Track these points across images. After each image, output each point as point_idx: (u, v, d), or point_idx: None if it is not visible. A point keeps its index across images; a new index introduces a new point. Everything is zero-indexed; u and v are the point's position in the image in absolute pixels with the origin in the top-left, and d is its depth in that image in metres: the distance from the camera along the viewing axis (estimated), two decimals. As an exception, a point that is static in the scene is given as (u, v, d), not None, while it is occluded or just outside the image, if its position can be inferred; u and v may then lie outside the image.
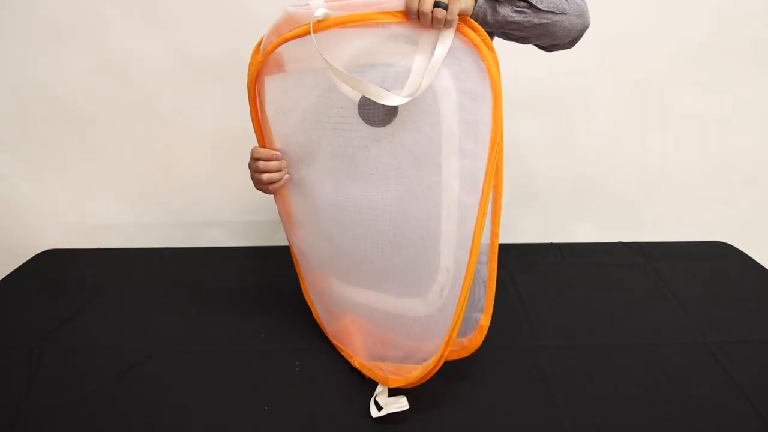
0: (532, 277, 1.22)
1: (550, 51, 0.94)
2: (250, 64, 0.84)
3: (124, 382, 0.95)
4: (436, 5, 0.71)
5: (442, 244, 0.87)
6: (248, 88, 0.88)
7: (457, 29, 0.75)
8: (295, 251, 1.03)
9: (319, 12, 0.73)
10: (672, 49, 1.60)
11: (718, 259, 1.31)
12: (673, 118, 1.70)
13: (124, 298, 1.19)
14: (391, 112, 0.83)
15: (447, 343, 0.86)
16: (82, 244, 1.42)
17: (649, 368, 0.96)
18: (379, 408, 0.89)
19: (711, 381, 0.93)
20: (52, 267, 1.32)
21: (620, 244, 1.37)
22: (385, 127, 0.84)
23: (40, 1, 1.47)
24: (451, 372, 0.96)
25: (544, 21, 0.83)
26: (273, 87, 0.87)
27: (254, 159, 0.91)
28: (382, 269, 0.92)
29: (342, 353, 1.01)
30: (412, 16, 0.72)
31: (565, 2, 0.85)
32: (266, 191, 0.93)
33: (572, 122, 1.64)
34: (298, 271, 1.06)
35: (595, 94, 1.65)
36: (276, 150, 0.91)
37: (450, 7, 0.71)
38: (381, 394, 0.91)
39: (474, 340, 0.91)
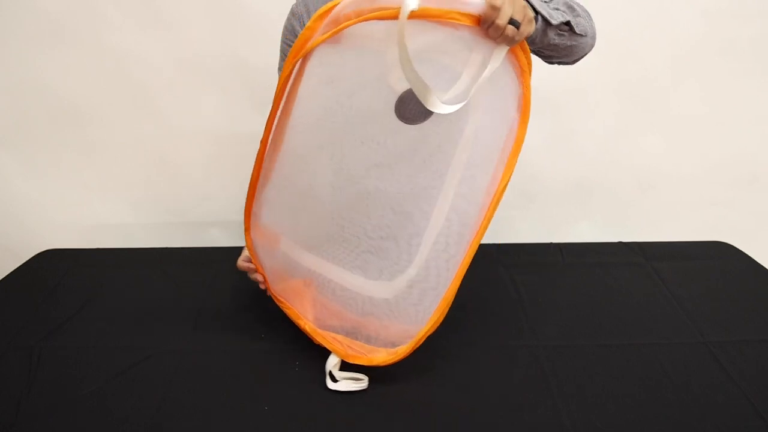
0: (532, 277, 1.22)
1: (552, 63, 0.95)
2: (309, 28, 0.76)
3: (124, 382, 0.95)
4: (510, 22, 0.72)
5: (423, 244, 0.92)
6: (293, 54, 0.78)
7: (511, 48, 0.77)
8: (260, 196, 0.93)
9: (414, 2, 0.70)
10: (671, 49, 1.60)
11: (718, 259, 1.31)
12: (673, 118, 1.70)
13: (124, 298, 1.19)
14: (427, 114, 0.85)
15: (418, 340, 0.91)
16: (82, 244, 1.42)
17: (649, 368, 0.96)
18: (334, 380, 0.92)
19: (711, 381, 0.93)
20: (52, 267, 1.32)
21: (620, 244, 1.37)
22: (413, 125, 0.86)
23: (40, 1, 1.47)
24: (451, 371, 0.96)
25: (574, 43, 0.87)
26: (320, 57, 0.80)
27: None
28: (359, 246, 0.95)
29: (285, 310, 1.00)
30: (485, 24, 0.73)
31: (589, 25, 0.90)
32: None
33: (572, 122, 1.64)
34: (247, 210, 0.96)
35: (595, 94, 1.65)
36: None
37: (521, 28, 0.73)
38: (335, 367, 0.94)
39: (407, 348, 0.93)
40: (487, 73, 0.77)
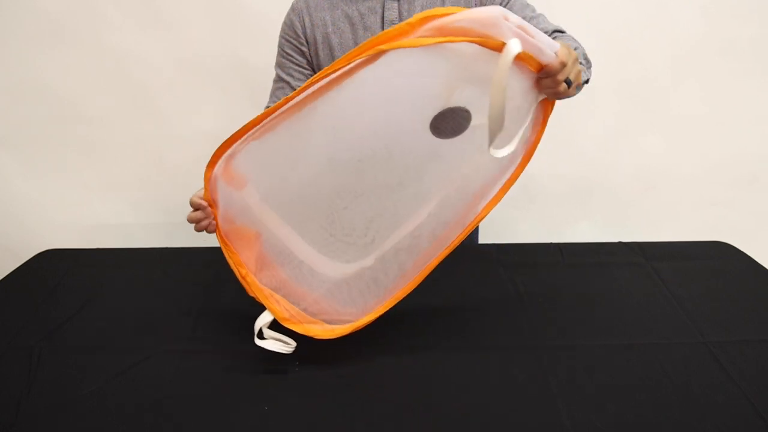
0: (532, 277, 1.22)
1: None
2: (410, 24, 0.74)
3: (124, 382, 0.94)
4: (566, 81, 0.77)
5: (390, 238, 0.96)
6: (384, 39, 0.74)
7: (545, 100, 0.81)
8: (248, 140, 0.87)
9: (517, 48, 0.71)
10: (671, 49, 1.61)
11: (718, 259, 1.31)
12: (673, 118, 1.70)
13: (124, 298, 1.19)
14: (457, 134, 0.89)
15: (357, 327, 0.95)
16: (82, 244, 1.42)
17: (649, 368, 0.96)
18: (261, 337, 0.94)
19: (711, 381, 0.93)
20: (52, 267, 1.32)
21: (620, 244, 1.37)
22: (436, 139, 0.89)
23: (40, 1, 1.47)
24: (450, 370, 0.96)
25: (580, 88, 0.91)
26: (400, 54, 0.79)
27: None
28: (330, 229, 0.97)
29: (227, 254, 0.95)
30: (545, 75, 0.77)
31: (590, 70, 0.96)
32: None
33: (572, 122, 1.64)
34: (227, 144, 0.88)
35: (595, 94, 1.65)
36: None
37: (570, 89, 0.79)
38: (266, 325, 0.94)
39: (345, 330, 0.96)
40: (528, 122, 0.83)
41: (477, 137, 0.88)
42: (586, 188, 1.76)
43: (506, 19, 0.71)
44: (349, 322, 0.98)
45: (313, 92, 0.81)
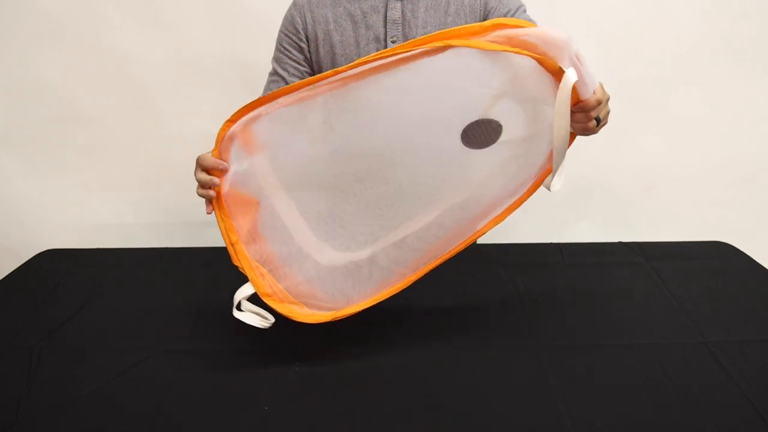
0: (532, 277, 1.22)
1: None
2: (482, 27, 0.76)
3: (124, 382, 0.94)
4: (596, 119, 0.82)
5: (384, 238, 0.97)
6: (452, 35, 0.77)
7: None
8: (277, 105, 0.85)
9: (574, 77, 0.76)
10: (671, 50, 1.60)
11: (718, 259, 1.31)
12: (673, 118, 1.70)
13: (124, 298, 1.19)
14: (487, 146, 0.90)
15: (336, 317, 0.95)
16: (82, 244, 1.42)
17: (649, 368, 0.96)
18: (240, 309, 0.93)
19: (711, 381, 0.93)
20: (52, 267, 1.32)
21: (620, 244, 1.37)
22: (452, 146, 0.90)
23: (40, 1, 1.47)
24: (450, 370, 0.96)
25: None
26: (457, 54, 0.80)
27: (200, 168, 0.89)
28: (337, 220, 0.97)
29: (218, 213, 0.92)
30: (580, 109, 0.80)
31: None
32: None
33: (572, 122, 1.64)
34: (256, 103, 0.86)
35: (595, 94, 1.65)
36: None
37: (596, 128, 0.84)
38: (245, 297, 0.93)
39: (324, 317, 0.96)
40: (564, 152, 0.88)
41: (500, 153, 0.91)
42: (586, 188, 1.76)
43: (570, 44, 0.75)
44: (330, 310, 0.97)
45: (362, 72, 0.81)
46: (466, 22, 1.04)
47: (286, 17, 1.12)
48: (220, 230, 0.92)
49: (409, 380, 0.94)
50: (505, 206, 1.00)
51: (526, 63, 0.77)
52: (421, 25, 1.05)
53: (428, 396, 0.91)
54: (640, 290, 1.19)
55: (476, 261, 1.27)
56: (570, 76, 0.75)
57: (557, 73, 0.77)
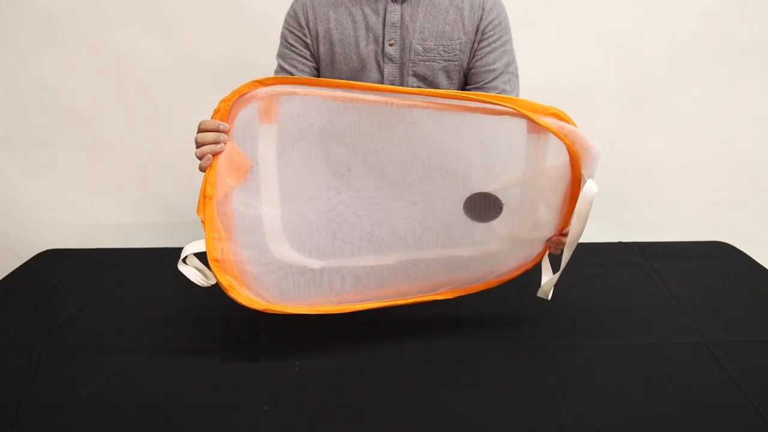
0: (532, 277, 1.22)
1: None
2: (530, 111, 0.85)
3: (124, 382, 0.95)
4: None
5: (352, 259, 0.99)
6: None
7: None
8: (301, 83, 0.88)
9: (595, 188, 0.88)
10: (671, 50, 1.60)
11: (718, 259, 1.31)
12: (673, 119, 1.70)
13: (124, 298, 1.19)
14: (485, 221, 0.96)
15: (284, 311, 0.95)
16: (82, 244, 1.42)
17: (649, 368, 0.96)
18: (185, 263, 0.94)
19: (711, 381, 0.93)
20: (52, 267, 1.32)
21: (620, 244, 1.37)
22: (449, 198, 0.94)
23: (40, 1, 1.47)
24: (450, 371, 0.96)
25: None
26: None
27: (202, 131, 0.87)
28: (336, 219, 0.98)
29: (206, 172, 0.88)
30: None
31: None
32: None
33: (572, 122, 1.64)
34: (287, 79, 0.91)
35: (595, 94, 1.65)
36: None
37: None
38: (192, 254, 0.92)
39: (251, 301, 0.94)
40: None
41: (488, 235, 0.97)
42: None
43: (598, 157, 0.86)
44: (266, 300, 0.95)
45: (411, 102, 0.86)
46: (462, 33, 1.06)
47: (289, 14, 1.12)
48: (203, 179, 0.89)
49: (409, 380, 0.94)
50: (474, 286, 1.04)
51: (552, 163, 0.87)
52: (418, 30, 1.05)
53: (428, 396, 0.91)
54: (640, 290, 1.19)
55: (476, 261, 1.27)
56: (592, 187, 0.86)
57: (576, 178, 0.88)
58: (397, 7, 1.05)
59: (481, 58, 1.08)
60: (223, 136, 0.86)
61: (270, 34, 1.17)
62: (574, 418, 0.85)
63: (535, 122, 0.83)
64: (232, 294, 0.92)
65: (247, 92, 0.86)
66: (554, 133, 0.83)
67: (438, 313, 1.09)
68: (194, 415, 0.88)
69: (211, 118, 0.86)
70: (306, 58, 1.12)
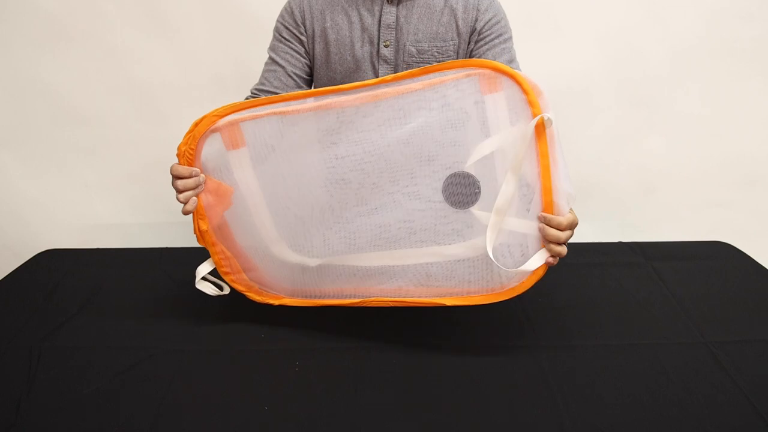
0: (532, 277, 1.22)
1: None
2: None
3: (124, 382, 0.94)
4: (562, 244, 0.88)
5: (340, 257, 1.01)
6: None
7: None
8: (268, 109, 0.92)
9: (550, 116, 0.84)
10: (671, 50, 1.60)
11: (718, 259, 1.31)
12: (673, 119, 1.70)
13: (124, 298, 1.19)
14: (462, 207, 0.92)
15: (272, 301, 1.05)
16: (82, 244, 1.42)
17: (649, 368, 0.96)
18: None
19: (711, 381, 0.93)
20: (52, 267, 1.32)
21: (620, 244, 1.37)
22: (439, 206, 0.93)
23: (40, 1, 1.47)
24: (450, 371, 0.96)
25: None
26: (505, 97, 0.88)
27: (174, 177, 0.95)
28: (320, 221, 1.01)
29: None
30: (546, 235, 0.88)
31: None
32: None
33: (572, 123, 1.64)
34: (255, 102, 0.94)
35: (595, 94, 1.65)
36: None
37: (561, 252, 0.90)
38: (204, 272, 1.03)
39: (266, 299, 1.07)
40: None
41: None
42: (586, 189, 1.76)
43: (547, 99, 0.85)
44: (276, 296, 1.06)
45: (364, 96, 0.86)
46: (456, 34, 1.07)
47: (285, 9, 1.12)
48: (193, 218, 0.99)
49: (410, 380, 0.94)
50: (452, 298, 0.99)
51: (520, 129, 0.85)
52: (412, 31, 1.06)
53: (428, 396, 0.91)
54: (640, 290, 1.19)
55: (476, 261, 1.27)
56: (549, 117, 0.83)
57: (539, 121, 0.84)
58: (393, 8, 1.05)
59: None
60: (201, 177, 0.95)
61: (270, 34, 1.17)
62: (574, 418, 0.85)
63: (492, 69, 0.83)
64: (250, 296, 1.06)
65: (205, 131, 0.92)
66: (509, 75, 0.84)
67: (438, 312, 1.09)
68: (194, 415, 0.88)
69: (178, 162, 0.94)
70: (300, 54, 1.12)
